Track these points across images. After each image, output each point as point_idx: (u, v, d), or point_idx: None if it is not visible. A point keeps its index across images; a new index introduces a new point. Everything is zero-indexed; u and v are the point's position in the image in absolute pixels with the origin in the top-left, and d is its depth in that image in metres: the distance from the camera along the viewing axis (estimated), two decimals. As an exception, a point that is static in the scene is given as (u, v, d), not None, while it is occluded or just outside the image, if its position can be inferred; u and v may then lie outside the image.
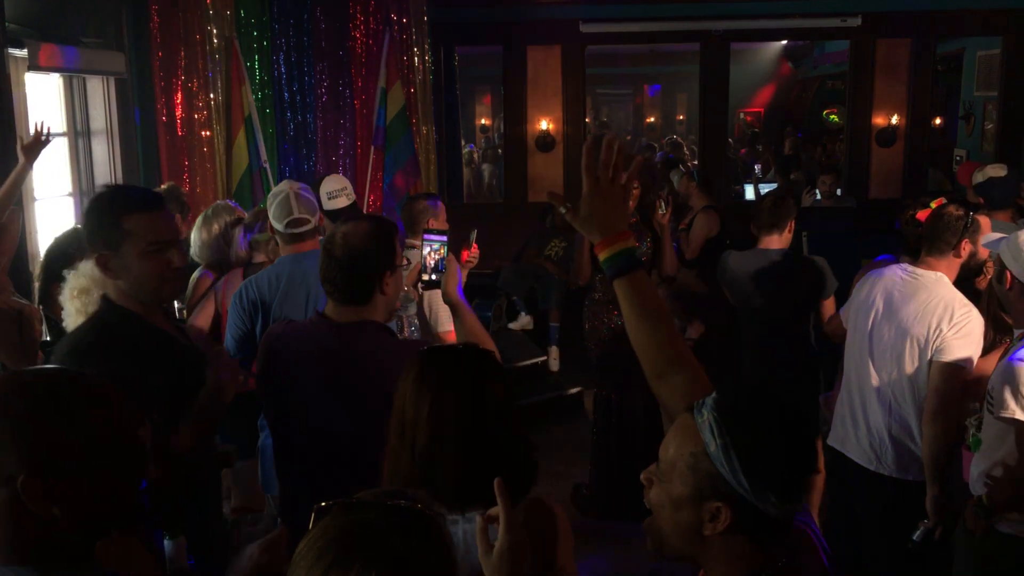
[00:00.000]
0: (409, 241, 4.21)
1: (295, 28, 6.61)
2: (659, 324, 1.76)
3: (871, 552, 3.39)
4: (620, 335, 4.90)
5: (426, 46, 7.02)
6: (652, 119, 17.84)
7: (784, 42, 13.11)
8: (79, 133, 5.53)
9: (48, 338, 4.09)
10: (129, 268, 2.27)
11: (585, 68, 8.61)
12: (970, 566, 2.79)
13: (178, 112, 5.92)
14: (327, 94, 6.76)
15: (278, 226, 3.47)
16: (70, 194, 5.52)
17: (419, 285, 2.78)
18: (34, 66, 4.63)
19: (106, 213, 2.29)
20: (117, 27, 5.60)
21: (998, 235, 3.00)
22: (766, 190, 8.28)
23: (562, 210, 1.79)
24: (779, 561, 1.37)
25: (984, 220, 3.28)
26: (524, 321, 7.57)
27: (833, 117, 12.83)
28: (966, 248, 3.23)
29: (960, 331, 3.08)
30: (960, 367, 3.08)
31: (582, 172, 1.76)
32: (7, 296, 3.76)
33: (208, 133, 6.03)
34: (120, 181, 5.59)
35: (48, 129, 4.03)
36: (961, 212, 3.22)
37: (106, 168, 5.58)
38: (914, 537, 3.16)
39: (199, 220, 4.19)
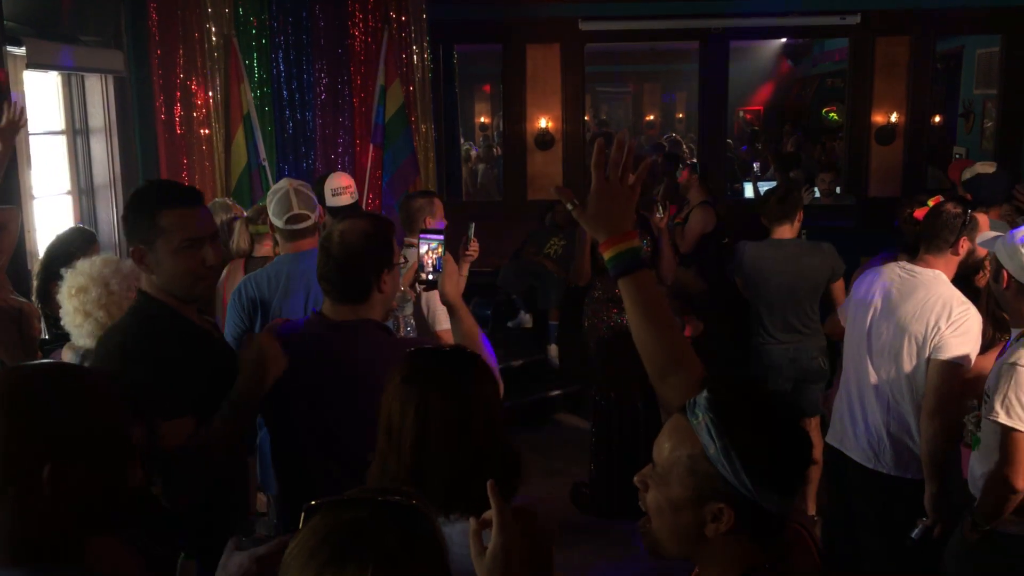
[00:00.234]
0: (407, 240, 4.21)
1: (294, 26, 6.60)
2: (663, 324, 1.76)
3: (870, 550, 3.39)
4: (620, 333, 4.91)
5: (425, 44, 7.02)
6: (651, 117, 17.84)
7: (783, 40, 13.10)
8: (77, 131, 5.53)
9: (47, 336, 4.09)
10: (162, 264, 2.27)
11: (584, 66, 8.61)
12: (970, 565, 2.77)
13: (177, 110, 5.91)
14: (326, 92, 6.75)
15: (278, 222, 3.47)
16: (68, 192, 5.51)
17: (417, 285, 2.78)
18: (32, 64, 4.62)
19: (143, 208, 2.29)
20: (116, 25, 5.59)
21: (993, 233, 3.00)
22: (765, 188, 8.29)
23: (569, 206, 1.78)
24: (774, 557, 1.37)
25: (982, 218, 3.28)
26: (523, 319, 7.57)
27: (832, 115, 12.82)
28: (964, 246, 3.23)
29: (958, 329, 3.08)
30: (958, 365, 3.09)
31: (591, 169, 1.76)
32: (6, 294, 3.76)
33: (207, 131, 6.02)
34: (119, 180, 5.59)
35: (22, 110, 4.02)
36: (959, 210, 3.22)
37: (105, 166, 5.57)
38: (913, 535, 3.16)
39: None
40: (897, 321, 3.23)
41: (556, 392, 6.75)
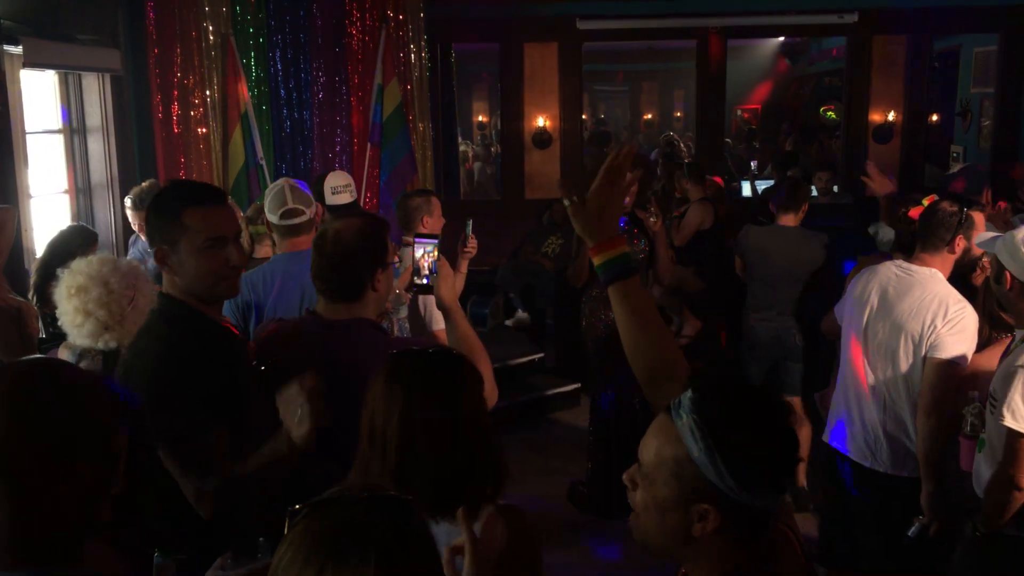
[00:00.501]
0: (404, 239, 4.20)
1: (291, 25, 6.60)
2: (653, 330, 1.77)
3: (867, 548, 3.39)
4: (617, 332, 4.89)
5: (422, 43, 7.02)
6: (649, 116, 17.83)
7: (781, 39, 13.10)
8: (75, 130, 5.53)
9: (44, 335, 4.09)
10: (186, 264, 2.21)
11: (582, 65, 8.61)
12: (976, 566, 2.75)
13: (174, 109, 5.91)
14: (323, 91, 6.75)
15: (273, 218, 3.47)
16: (65, 191, 5.51)
17: (412, 288, 2.77)
18: (29, 63, 4.62)
19: (166, 207, 2.24)
20: (113, 24, 5.59)
21: (991, 234, 2.99)
22: (763, 187, 8.30)
23: (566, 202, 1.78)
24: (761, 557, 1.37)
25: (978, 216, 3.28)
26: (521, 318, 7.57)
27: (831, 114, 12.82)
28: (960, 244, 3.23)
29: (954, 327, 3.08)
30: (955, 363, 3.09)
31: (601, 170, 1.78)
32: (4, 293, 3.76)
33: (204, 130, 6.02)
34: (116, 178, 5.59)
35: None
36: (955, 208, 3.22)
37: (102, 165, 5.58)
38: (909, 533, 3.16)
39: None
40: (893, 320, 3.23)
41: (553, 390, 6.75)
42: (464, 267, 4.25)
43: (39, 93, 5.30)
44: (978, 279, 3.46)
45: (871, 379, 3.31)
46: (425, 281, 2.65)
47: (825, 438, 3.56)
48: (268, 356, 2.46)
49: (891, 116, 8.69)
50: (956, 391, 3.10)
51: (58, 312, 2.91)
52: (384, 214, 6.42)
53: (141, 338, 2.29)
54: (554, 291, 7.05)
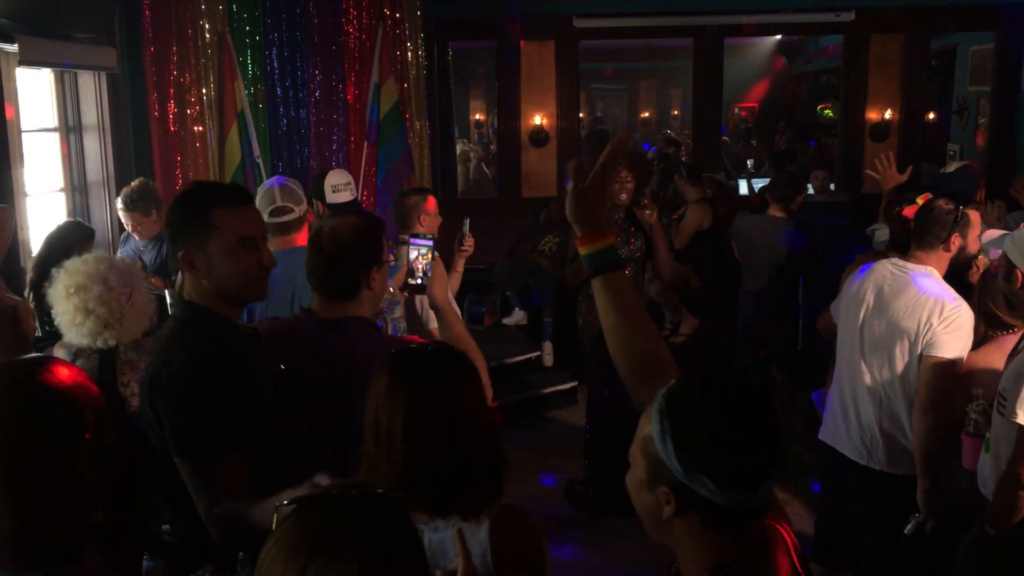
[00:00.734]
0: (401, 237, 4.20)
1: (288, 23, 6.59)
2: (640, 326, 1.75)
3: (864, 546, 3.40)
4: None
5: (419, 41, 7.01)
6: (647, 114, 17.83)
7: (778, 37, 13.11)
8: (70, 129, 5.52)
9: (39, 333, 4.09)
10: (216, 266, 2.14)
11: (579, 63, 8.61)
12: (985, 565, 2.73)
13: (170, 107, 5.90)
14: (320, 89, 6.74)
15: (263, 216, 3.47)
16: (61, 190, 5.50)
17: (406, 288, 2.78)
18: (25, 61, 4.61)
19: (193, 207, 2.16)
20: (109, 22, 5.58)
21: (998, 232, 2.99)
22: (760, 185, 8.30)
23: (570, 186, 1.77)
24: (745, 556, 1.36)
25: (974, 214, 3.29)
26: (518, 317, 7.57)
27: (828, 112, 12.83)
28: (955, 242, 3.24)
29: (950, 325, 3.09)
30: (951, 362, 3.09)
31: (602, 157, 1.78)
32: (1, 292, 3.76)
33: (200, 128, 6.01)
34: (112, 177, 5.58)
35: None
36: (951, 206, 3.22)
37: (98, 164, 5.57)
38: (905, 531, 3.17)
39: None
40: (889, 318, 3.23)
41: (551, 389, 6.75)
42: (461, 265, 4.26)
43: (35, 91, 5.29)
44: (974, 277, 3.47)
45: (867, 377, 3.31)
46: (419, 282, 2.66)
47: (821, 436, 3.57)
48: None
49: (888, 114, 8.69)
50: (952, 389, 3.10)
51: (54, 312, 2.90)
52: (381, 212, 6.42)
53: (168, 347, 2.18)
54: (553, 290, 7.05)
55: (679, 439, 1.32)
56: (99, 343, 2.90)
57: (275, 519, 1.18)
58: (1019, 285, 2.69)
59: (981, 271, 3.42)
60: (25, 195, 4.83)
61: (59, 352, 3.01)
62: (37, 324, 4.03)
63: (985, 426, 2.84)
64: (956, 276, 3.38)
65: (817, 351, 4.85)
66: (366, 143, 6.65)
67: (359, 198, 6.51)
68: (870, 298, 3.32)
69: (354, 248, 2.41)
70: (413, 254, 2.66)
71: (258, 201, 3.50)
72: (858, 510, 3.41)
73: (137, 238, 4.97)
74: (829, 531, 3.59)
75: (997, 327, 3.20)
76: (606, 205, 1.82)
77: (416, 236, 2.71)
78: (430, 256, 2.68)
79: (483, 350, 2.58)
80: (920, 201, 3.33)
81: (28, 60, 4.64)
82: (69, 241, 4.35)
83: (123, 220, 4.95)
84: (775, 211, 5.56)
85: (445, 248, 4.41)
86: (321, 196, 4.59)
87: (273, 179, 3.62)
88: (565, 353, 6.82)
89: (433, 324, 3.75)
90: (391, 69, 6.68)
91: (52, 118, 5.43)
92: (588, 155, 9.08)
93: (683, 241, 6.57)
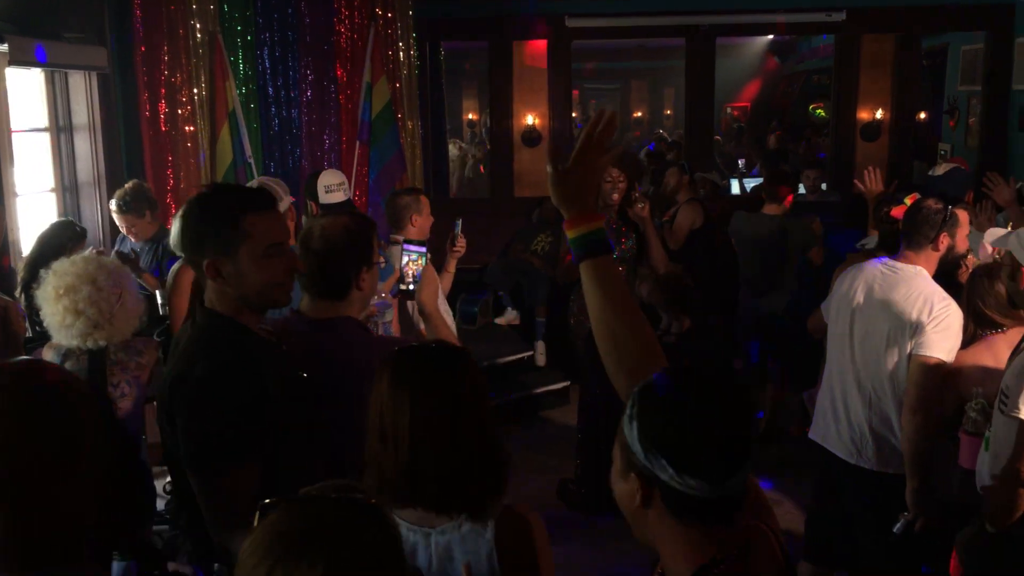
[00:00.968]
0: (393, 237, 4.20)
1: (279, 23, 6.58)
2: (628, 313, 1.71)
3: (854, 545, 3.41)
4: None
5: (411, 40, 7.01)
6: (639, 113, 17.85)
7: (770, 36, 13.13)
8: (61, 128, 5.50)
9: (30, 334, 4.07)
10: (246, 273, 2.06)
11: (571, 63, 8.61)
12: (986, 562, 2.71)
13: (161, 107, 5.89)
14: (312, 89, 6.73)
15: None
16: (52, 190, 5.49)
17: (396, 293, 2.79)
18: (15, 61, 4.60)
19: (222, 214, 2.06)
20: (99, 22, 5.56)
21: (1002, 230, 2.99)
22: (752, 184, 8.32)
23: (549, 169, 1.71)
24: (729, 556, 1.36)
25: (962, 214, 3.30)
26: (510, 316, 7.57)
27: (820, 111, 12.86)
28: (944, 242, 3.25)
29: (940, 325, 3.10)
30: (940, 361, 3.10)
31: (581, 135, 1.73)
32: (-10, 293, 3.74)
33: (192, 128, 6.00)
34: (103, 177, 5.56)
35: None
36: (939, 206, 3.24)
37: (89, 164, 5.55)
38: (895, 529, 3.18)
39: (182, 209, 4.18)
40: (879, 317, 3.24)
41: (543, 389, 6.75)
42: (452, 266, 4.25)
43: (25, 91, 5.28)
44: (963, 276, 3.48)
45: (857, 377, 3.32)
46: (411, 287, 2.67)
47: (811, 435, 3.58)
48: None
49: (879, 114, 8.72)
50: (941, 388, 3.11)
51: (43, 314, 2.90)
52: (373, 212, 6.41)
53: (187, 358, 2.09)
54: (545, 289, 7.04)
55: (642, 421, 1.33)
56: (89, 344, 2.89)
57: (256, 517, 1.18)
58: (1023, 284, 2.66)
59: (970, 271, 3.43)
60: (15, 195, 4.82)
61: (48, 353, 3.00)
62: (28, 325, 4.01)
63: (984, 425, 2.83)
64: (945, 276, 3.40)
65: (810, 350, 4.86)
66: (358, 143, 6.64)
67: (352, 197, 6.53)
68: (860, 297, 3.33)
69: (345, 248, 2.41)
70: (404, 259, 2.68)
71: None
72: (848, 509, 3.42)
73: (132, 240, 4.96)
74: (820, 530, 3.60)
75: (986, 326, 3.21)
76: (598, 187, 1.76)
77: (409, 242, 2.72)
78: (422, 262, 2.69)
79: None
80: (908, 201, 3.34)
81: (17, 60, 4.63)
82: (61, 241, 4.34)
83: (117, 222, 4.94)
84: (771, 209, 5.72)
85: (437, 248, 4.41)
86: (314, 196, 4.58)
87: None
88: (558, 353, 6.82)
89: (423, 326, 3.76)
90: (383, 69, 6.68)
91: (43, 118, 5.42)
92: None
93: (678, 242, 6.57)
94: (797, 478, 4.71)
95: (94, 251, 3.56)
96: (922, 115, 10.73)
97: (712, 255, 6.56)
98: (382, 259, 2.70)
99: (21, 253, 4.61)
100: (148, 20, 5.78)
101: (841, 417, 3.38)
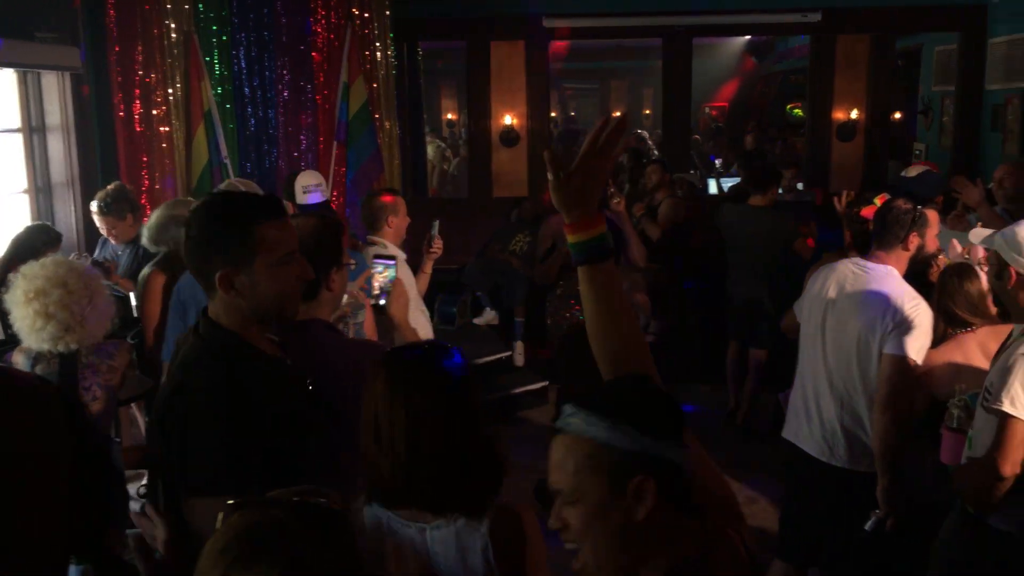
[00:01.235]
0: (370, 238, 4.18)
1: (255, 23, 6.54)
2: (625, 317, 1.71)
3: (826, 543, 3.44)
4: (582, 329, 4.92)
5: (388, 40, 7.00)
6: (618, 113, 17.85)
7: (747, 37, 13.21)
8: (34, 129, 5.45)
9: (3, 337, 4.03)
10: (260, 283, 1.95)
11: (549, 63, 8.62)
12: (961, 559, 2.71)
13: (136, 107, 5.85)
14: (288, 89, 6.70)
15: None
16: (25, 191, 5.44)
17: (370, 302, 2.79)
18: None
19: (235, 223, 1.95)
20: (72, 22, 5.51)
21: (986, 231, 3.01)
22: (729, 184, 8.37)
23: (550, 176, 1.67)
24: (701, 549, 1.38)
25: (932, 214, 3.34)
26: (489, 317, 7.56)
27: (797, 111, 12.95)
28: (914, 241, 3.29)
29: (910, 324, 3.13)
30: (910, 359, 3.13)
31: (588, 137, 1.69)
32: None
33: (167, 129, 5.96)
34: (77, 178, 5.52)
35: None
36: (909, 206, 3.28)
37: (62, 165, 5.51)
38: (866, 527, 3.21)
39: (158, 211, 4.15)
40: (850, 316, 3.27)
41: (521, 388, 6.75)
42: (429, 267, 4.25)
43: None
44: (933, 276, 3.52)
45: (828, 375, 3.35)
46: (382, 302, 2.67)
47: (784, 434, 3.61)
48: None
49: (854, 114, 8.80)
50: (912, 387, 3.15)
51: (12, 318, 2.87)
52: (350, 213, 6.40)
53: (186, 374, 1.99)
54: (524, 290, 7.05)
55: (633, 417, 1.39)
56: (60, 347, 2.87)
57: (219, 518, 1.19)
58: (1011, 284, 2.65)
59: (940, 270, 3.47)
60: (-13, 197, 4.78)
61: (18, 358, 2.97)
62: (0, 328, 3.97)
63: (967, 422, 2.84)
64: (916, 275, 3.43)
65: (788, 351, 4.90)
66: (335, 143, 6.62)
67: (329, 198, 6.51)
68: (832, 296, 3.36)
69: (314, 248, 2.40)
70: (375, 270, 2.68)
71: None
72: (820, 507, 3.45)
73: (113, 242, 4.91)
74: (793, 528, 3.62)
75: (956, 325, 3.25)
76: (600, 188, 1.72)
77: (380, 256, 2.72)
78: (389, 274, 2.69)
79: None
80: (878, 202, 3.37)
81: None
82: (35, 244, 4.30)
83: (98, 224, 4.88)
84: (757, 200, 5.84)
85: (414, 249, 4.41)
86: (292, 197, 4.56)
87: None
88: (536, 353, 6.83)
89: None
90: (360, 68, 6.66)
91: (15, 119, 5.37)
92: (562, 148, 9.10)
93: (660, 232, 6.62)
94: (771, 476, 4.74)
95: (77, 256, 3.53)
96: (897, 115, 10.83)
97: (689, 255, 6.61)
98: (352, 260, 2.70)
99: (-5, 254, 4.57)
100: (122, 20, 5.74)
101: (813, 416, 3.41)
